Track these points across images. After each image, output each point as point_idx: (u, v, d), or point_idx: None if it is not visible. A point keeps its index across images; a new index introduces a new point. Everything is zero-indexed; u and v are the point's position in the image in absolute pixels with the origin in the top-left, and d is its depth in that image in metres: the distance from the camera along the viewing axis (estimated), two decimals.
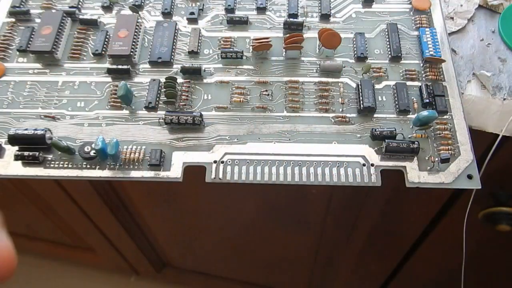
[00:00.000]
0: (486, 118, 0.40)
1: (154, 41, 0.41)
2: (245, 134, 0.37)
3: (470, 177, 0.34)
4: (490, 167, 0.41)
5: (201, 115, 0.37)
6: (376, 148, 0.36)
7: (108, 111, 0.39)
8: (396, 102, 0.38)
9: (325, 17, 0.43)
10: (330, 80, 0.39)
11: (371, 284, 0.87)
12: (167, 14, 0.44)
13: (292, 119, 0.37)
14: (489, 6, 0.45)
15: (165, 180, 0.35)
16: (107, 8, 0.44)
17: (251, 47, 0.41)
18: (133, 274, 1.12)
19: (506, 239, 0.55)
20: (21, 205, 0.73)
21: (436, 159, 0.35)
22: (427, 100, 0.37)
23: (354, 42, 0.41)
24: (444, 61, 0.39)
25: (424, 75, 0.39)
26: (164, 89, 0.38)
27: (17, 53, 0.42)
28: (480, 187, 0.34)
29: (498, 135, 0.40)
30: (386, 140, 0.34)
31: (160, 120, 0.37)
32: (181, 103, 0.38)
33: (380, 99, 0.38)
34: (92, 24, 0.43)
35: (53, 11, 0.44)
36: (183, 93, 0.39)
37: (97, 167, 0.36)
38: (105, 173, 0.35)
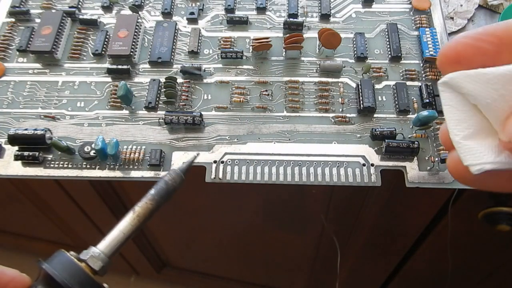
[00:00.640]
0: None
1: (154, 41, 0.41)
2: (245, 134, 0.37)
3: None
4: None
5: (201, 115, 0.37)
6: (376, 148, 0.36)
7: (108, 111, 0.39)
8: (396, 102, 0.38)
9: (325, 17, 0.43)
10: (330, 80, 0.39)
11: (371, 284, 0.87)
12: (167, 14, 0.44)
13: (292, 119, 0.37)
14: (489, 6, 0.45)
15: None
16: (107, 8, 0.44)
17: (251, 47, 0.41)
18: (133, 274, 1.12)
19: (506, 239, 0.55)
20: (21, 205, 0.73)
21: (436, 159, 0.35)
22: (427, 100, 0.37)
23: (354, 42, 0.41)
24: None
25: (424, 75, 0.39)
26: (164, 89, 0.38)
27: (17, 53, 0.42)
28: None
29: None
30: (386, 140, 0.34)
31: (160, 120, 0.37)
32: (181, 103, 0.38)
33: (380, 99, 0.38)
34: (92, 24, 0.43)
35: (53, 11, 0.44)
36: (183, 93, 0.39)
37: (97, 167, 0.36)
38: (105, 173, 0.35)
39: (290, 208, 0.61)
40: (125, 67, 0.40)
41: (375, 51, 0.41)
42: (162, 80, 0.39)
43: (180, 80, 0.39)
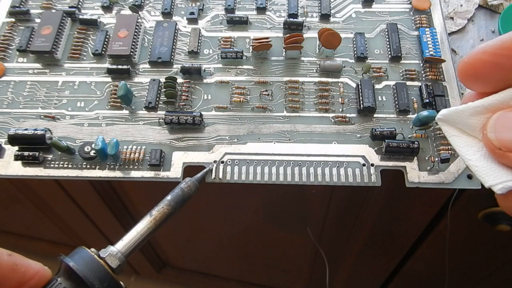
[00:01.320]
0: None
1: (154, 41, 0.41)
2: (245, 134, 0.37)
3: (470, 177, 0.34)
4: None
5: (201, 115, 0.37)
6: (376, 148, 0.36)
7: (108, 111, 0.39)
8: (396, 102, 0.38)
9: (325, 17, 0.43)
10: (330, 80, 0.39)
11: (371, 284, 0.87)
12: (167, 14, 0.44)
13: (292, 119, 0.37)
14: (489, 6, 0.45)
15: (165, 180, 0.35)
16: (107, 8, 0.44)
17: (251, 47, 0.41)
18: (133, 274, 1.12)
19: (506, 239, 0.55)
20: (21, 205, 0.73)
21: (436, 159, 0.35)
22: (427, 100, 0.37)
23: (354, 42, 0.41)
24: (444, 61, 0.39)
25: (424, 75, 0.39)
26: (164, 89, 0.38)
27: (17, 53, 0.42)
28: (480, 187, 0.34)
29: None
30: (386, 140, 0.34)
31: (160, 120, 0.37)
32: (181, 103, 0.38)
33: (380, 99, 0.38)
34: (92, 24, 0.43)
35: (53, 11, 0.44)
36: (183, 93, 0.39)
37: (97, 167, 0.36)
38: (105, 173, 0.35)
39: (290, 208, 0.61)
40: (125, 67, 0.40)
41: (375, 51, 0.41)
42: (162, 80, 0.39)
43: (180, 80, 0.39)
